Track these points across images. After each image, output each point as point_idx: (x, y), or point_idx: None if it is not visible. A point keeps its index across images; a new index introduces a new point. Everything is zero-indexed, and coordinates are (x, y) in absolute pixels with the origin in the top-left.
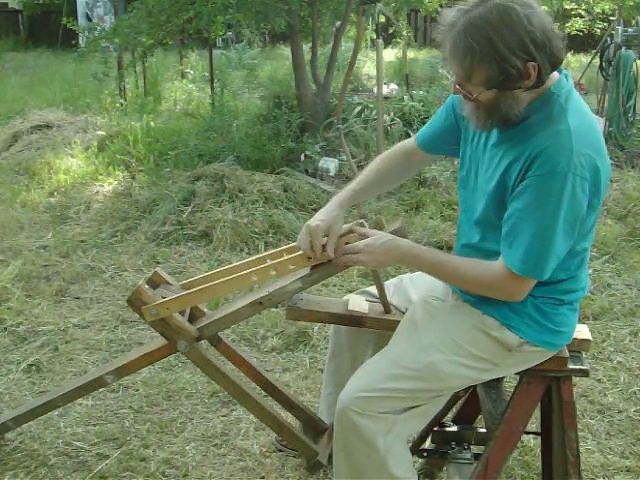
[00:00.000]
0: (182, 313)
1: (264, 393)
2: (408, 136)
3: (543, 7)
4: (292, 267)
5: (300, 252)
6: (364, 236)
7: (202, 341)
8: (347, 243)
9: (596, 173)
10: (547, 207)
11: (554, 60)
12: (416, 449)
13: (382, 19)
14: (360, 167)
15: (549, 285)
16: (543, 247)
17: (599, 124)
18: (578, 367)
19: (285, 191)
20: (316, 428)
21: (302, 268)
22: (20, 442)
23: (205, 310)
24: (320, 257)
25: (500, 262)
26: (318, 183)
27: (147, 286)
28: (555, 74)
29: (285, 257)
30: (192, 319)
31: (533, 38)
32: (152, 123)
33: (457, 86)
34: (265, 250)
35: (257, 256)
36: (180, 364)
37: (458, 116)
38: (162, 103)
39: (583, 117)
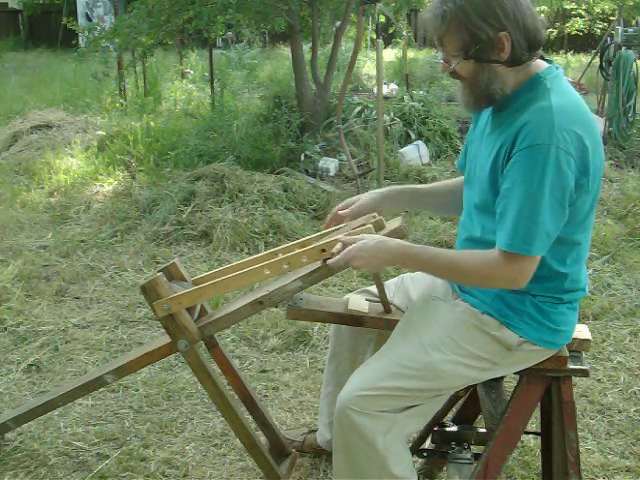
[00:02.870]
0: (192, 310)
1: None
2: (408, 136)
3: (544, 7)
4: (305, 260)
5: (313, 245)
6: (350, 242)
7: (200, 342)
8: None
9: (583, 151)
10: (531, 180)
11: (529, 36)
12: (416, 449)
13: (382, 19)
14: (360, 167)
15: (548, 283)
16: (530, 220)
17: (598, 123)
18: (578, 367)
19: (285, 191)
20: (282, 451)
21: (315, 262)
22: (20, 442)
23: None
24: (330, 254)
25: (495, 248)
26: (318, 183)
27: (164, 278)
28: (543, 63)
29: (298, 250)
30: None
31: (503, 8)
32: (152, 123)
33: (443, 62)
34: (265, 250)
35: (269, 251)
36: (180, 364)
37: (473, 128)
38: (162, 103)
39: (568, 96)
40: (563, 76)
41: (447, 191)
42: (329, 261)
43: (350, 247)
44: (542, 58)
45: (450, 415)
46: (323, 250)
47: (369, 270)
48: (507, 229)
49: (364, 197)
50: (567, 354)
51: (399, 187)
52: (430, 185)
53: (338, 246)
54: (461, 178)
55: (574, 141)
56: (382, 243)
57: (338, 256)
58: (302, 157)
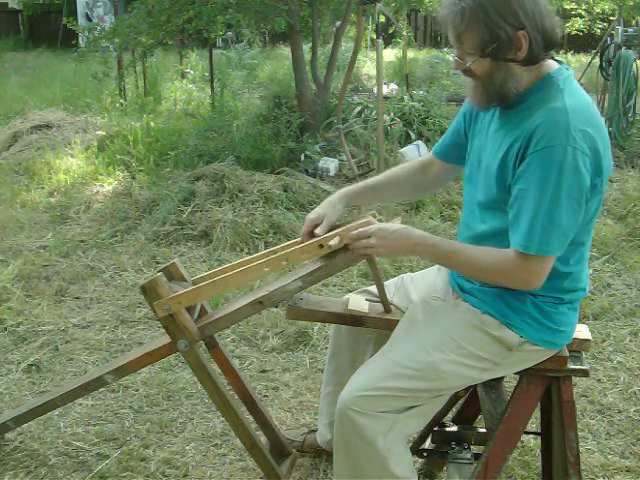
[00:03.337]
0: (192, 310)
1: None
2: (408, 136)
3: None
4: (303, 256)
5: (311, 241)
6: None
7: (200, 343)
8: None
9: (596, 152)
10: (548, 181)
11: (546, 36)
12: (416, 449)
13: (382, 19)
14: (360, 167)
15: (549, 283)
16: (546, 221)
17: None
18: (578, 367)
19: (285, 191)
20: (282, 451)
21: (313, 258)
22: (20, 442)
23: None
24: (328, 247)
25: (511, 248)
26: (318, 183)
27: (164, 278)
28: (554, 63)
29: (297, 247)
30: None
31: (523, 7)
32: (152, 123)
33: (457, 59)
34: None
35: (268, 250)
36: (180, 364)
37: (467, 120)
38: (162, 103)
39: (579, 98)
40: (573, 77)
41: (403, 177)
42: (350, 234)
43: (372, 225)
44: (552, 58)
45: (450, 415)
46: (321, 245)
47: (387, 253)
48: (523, 230)
49: (327, 211)
50: (567, 354)
51: (355, 187)
52: (385, 176)
53: (335, 240)
54: (415, 160)
55: (588, 142)
56: (406, 229)
57: (360, 228)
58: (302, 157)
